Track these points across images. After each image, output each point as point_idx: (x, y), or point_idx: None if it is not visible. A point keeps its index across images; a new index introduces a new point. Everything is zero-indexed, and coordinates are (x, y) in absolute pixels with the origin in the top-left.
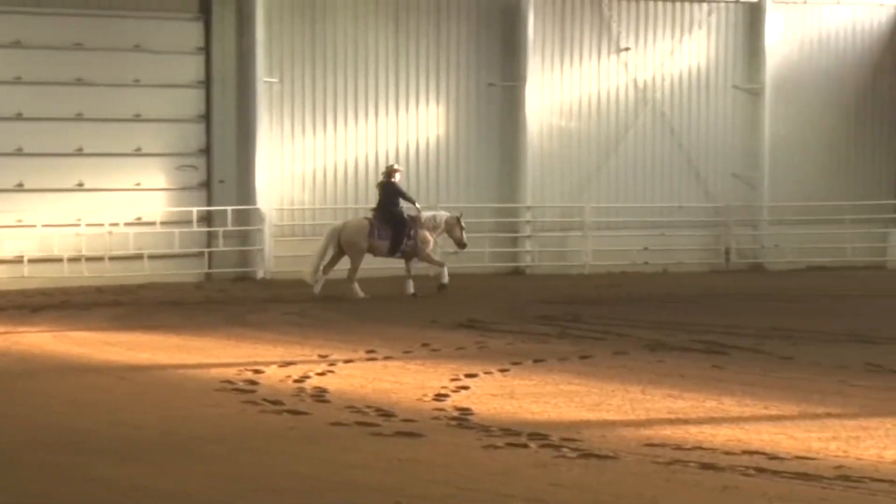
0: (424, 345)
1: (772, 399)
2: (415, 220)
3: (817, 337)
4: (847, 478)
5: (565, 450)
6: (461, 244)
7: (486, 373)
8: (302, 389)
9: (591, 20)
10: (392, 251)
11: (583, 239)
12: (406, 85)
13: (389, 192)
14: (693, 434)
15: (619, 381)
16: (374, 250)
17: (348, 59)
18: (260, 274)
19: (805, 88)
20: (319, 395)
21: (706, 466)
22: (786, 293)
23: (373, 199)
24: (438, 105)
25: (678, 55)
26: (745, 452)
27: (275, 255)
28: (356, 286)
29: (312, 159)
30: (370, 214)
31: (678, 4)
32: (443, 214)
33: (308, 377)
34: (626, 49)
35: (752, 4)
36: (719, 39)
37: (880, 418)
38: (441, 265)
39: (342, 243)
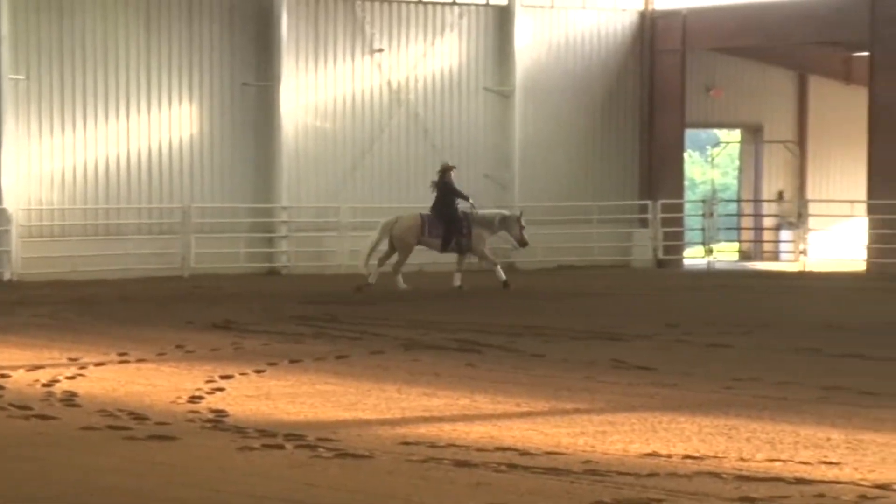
0: (178, 346)
1: (523, 396)
2: (469, 218)
3: (566, 334)
4: (594, 472)
5: (321, 450)
6: (522, 242)
7: (241, 374)
8: (51, 394)
9: (344, 21)
10: (443, 248)
11: (339, 239)
12: (158, 83)
13: (443, 189)
14: (447, 432)
15: (375, 381)
16: (425, 245)
17: (98, 57)
18: (7, 275)
19: (553, 91)
20: (69, 399)
21: (460, 464)
22: (537, 291)
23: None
24: (191, 104)
25: (431, 57)
26: (497, 449)
27: (22, 257)
28: (399, 278)
29: (61, 158)
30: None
31: (430, 7)
32: (499, 212)
33: (57, 381)
34: (380, 50)
35: (501, 8)
36: (470, 42)
37: (626, 413)
38: (494, 264)
39: (392, 238)
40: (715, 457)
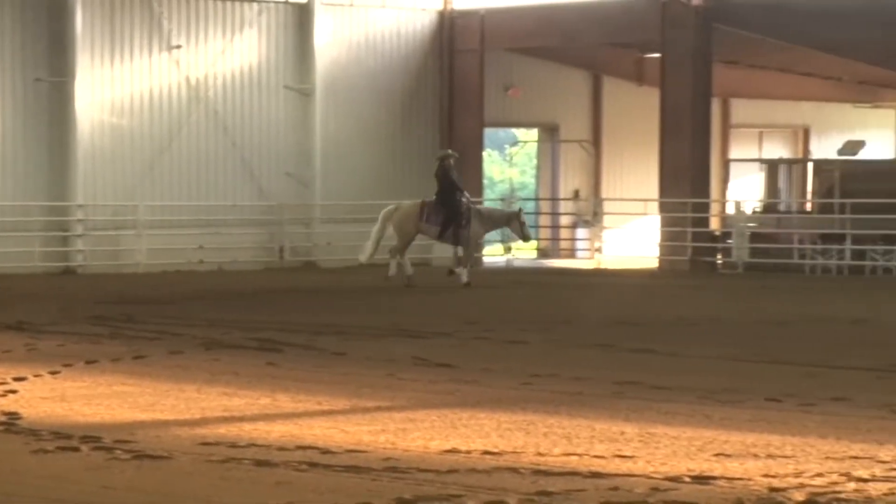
0: None
1: (325, 394)
2: (471, 212)
3: (368, 332)
4: (395, 469)
5: (118, 451)
6: (524, 237)
7: (35, 375)
8: None
9: (141, 16)
10: (440, 236)
11: (136, 238)
12: None
13: (441, 178)
14: (248, 431)
15: (174, 381)
16: (423, 232)
17: None
18: None
19: (354, 90)
20: None
21: (260, 463)
22: (338, 290)
23: None
24: None
25: (230, 54)
26: (298, 448)
27: None
28: (392, 264)
29: None
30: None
31: (228, 3)
32: (498, 209)
33: None
34: (178, 47)
35: (301, 6)
36: (270, 39)
37: (427, 410)
38: (466, 263)
39: (393, 224)
40: (513, 452)
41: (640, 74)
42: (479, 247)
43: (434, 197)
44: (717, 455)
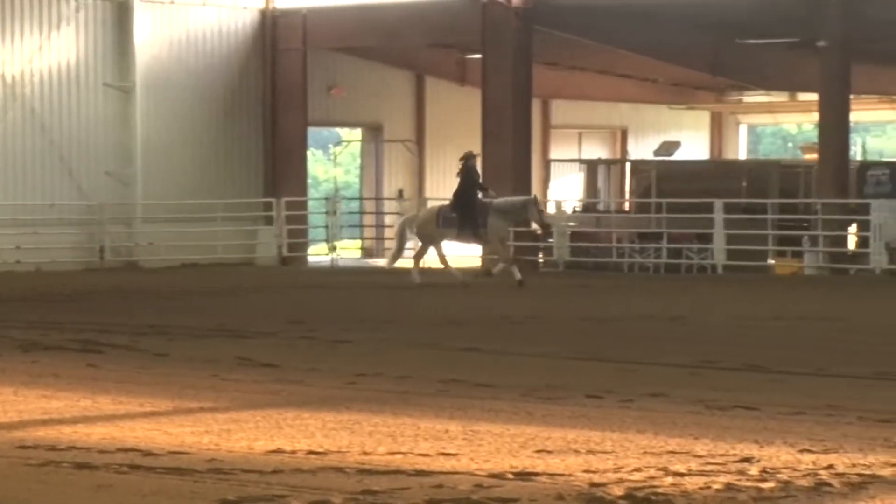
0: None
1: (147, 395)
2: (487, 208)
3: (191, 333)
4: (219, 470)
5: None
6: (542, 225)
7: None
8: None
9: None
10: (458, 237)
11: None
12: None
13: (463, 178)
14: (67, 434)
15: None
16: (444, 237)
17: None
18: None
19: (175, 87)
20: None
21: (81, 466)
22: (160, 290)
23: None
24: None
25: (47, 51)
26: (119, 450)
27: None
28: (414, 271)
29: None
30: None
31: (45, 0)
32: (512, 199)
33: None
34: None
35: (120, 3)
36: (89, 36)
37: (251, 411)
38: (509, 262)
39: (416, 231)
40: (338, 451)
41: (463, 75)
42: (504, 240)
43: (451, 199)
44: (539, 451)
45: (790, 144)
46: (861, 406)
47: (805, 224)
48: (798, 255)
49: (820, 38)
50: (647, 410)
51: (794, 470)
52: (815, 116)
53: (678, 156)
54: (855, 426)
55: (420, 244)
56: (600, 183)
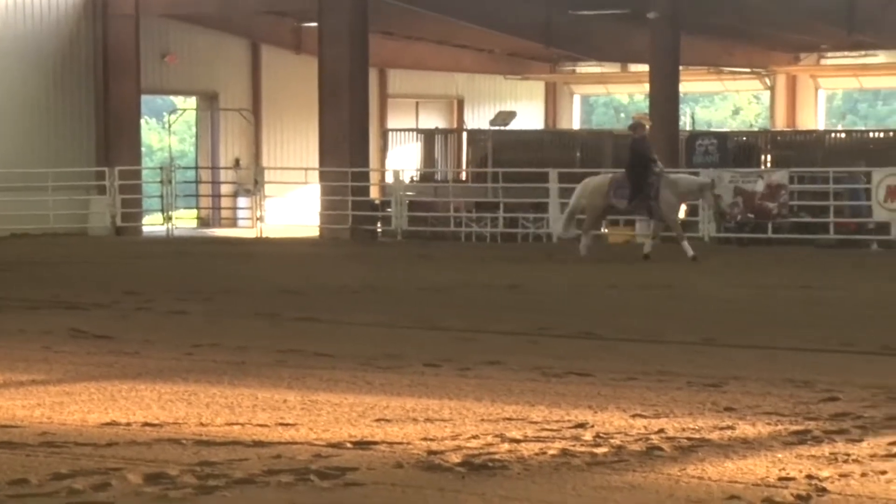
0: None
1: None
2: (661, 181)
3: (22, 304)
4: (51, 443)
5: None
6: (719, 212)
7: None
8: None
9: None
10: (630, 209)
11: None
12: None
13: (632, 149)
14: None
15: None
16: (614, 206)
17: None
18: None
19: (3, 55)
20: None
21: None
22: None
23: None
24: None
25: None
26: None
27: None
28: (583, 241)
29: None
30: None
31: None
32: (691, 177)
33: None
34: None
35: None
36: None
37: (84, 383)
38: (681, 237)
39: (585, 199)
40: (175, 423)
41: (299, 43)
42: (676, 216)
43: (625, 170)
44: (377, 420)
45: (622, 114)
46: (690, 371)
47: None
48: (630, 223)
49: (650, 10)
50: (485, 378)
51: (627, 435)
52: (647, 87)
53: (514, 126)
54: (684, 391)
55: (588, 213)
56: (437, 153)
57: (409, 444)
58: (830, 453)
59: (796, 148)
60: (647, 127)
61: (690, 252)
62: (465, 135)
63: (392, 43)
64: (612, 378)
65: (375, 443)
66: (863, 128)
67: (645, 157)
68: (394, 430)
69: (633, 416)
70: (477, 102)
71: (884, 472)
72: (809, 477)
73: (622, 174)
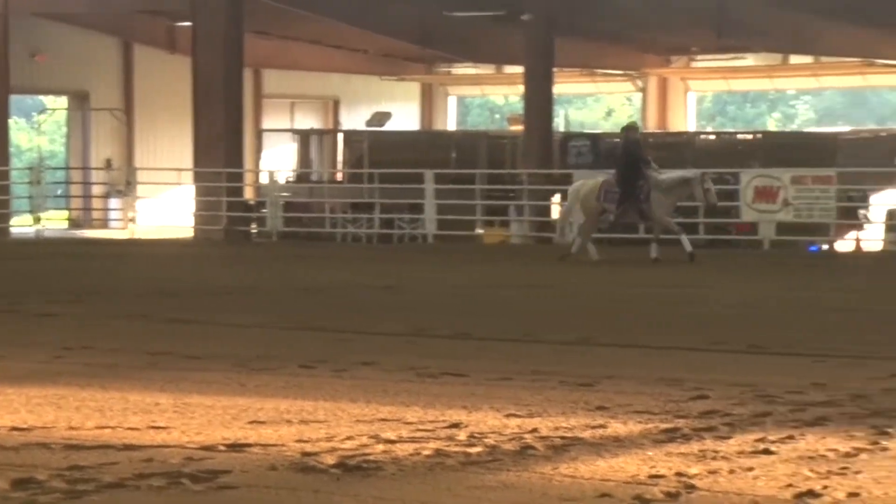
0: None
1: None
2: (649, 183)
3: None
4: None
5: None
6: (710, 204)
7: None
8: None
9: None
10: (621, 213)
11: None
12: None
13: (625, 150)
14: None
15: None
16: (606, 210)
17: None
18: None
19: None
20: None
21: None
22: None
23: None
24: None
25: None
26: None
27: None
28: (589, 247)
29: None
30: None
31: None
32: (677, 175)
33: None
34: None
35: None
36: None
37: None
38: (677, 233)
39: (580, 203)
40: (44, 427)
41: (173, 43)
42: (667, 216)
43: (615, 173)
44: (251, 422)
45: (497, 116)
46: (564, 371)
47: (511, 194)
48: (505, 224)
49: (525, 12)
50: (360, 379)
51: (501, 434)
52: (521, 88)
53: (390, 126)
54: (558, 390)
55: (584, 216)
56: (313, 153)
57: (283, 445)
58: (699, 450)
59: (667, 149)
60: (638, 130)
61: (689, 248)
62: (340, 135)
63: (267, 43)
64: (487, 378)
65: (249, 445)
66: (732, 129)
67: (637, 158)
68: (268, 432)
69: (508, 415)
70: (353, 103)
71: (751, 469)
72: (679, 474)
73: (612, 177)
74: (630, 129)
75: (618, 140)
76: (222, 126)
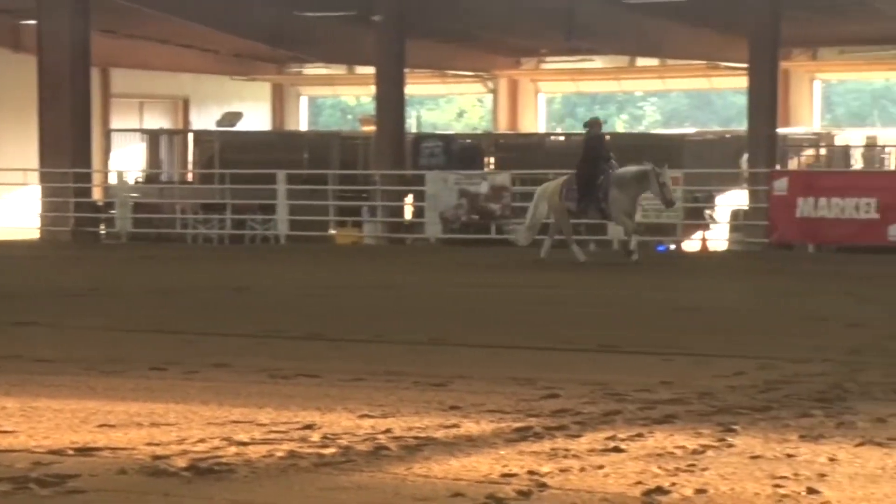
0: None
1: None
2: (609, 179)
3: None
4: None
5: None
6: (665, 201)
7: None
8: None
9: None
10: (581, 212)
11: None
12: None
13: (586, 146)
14: None
15: None
16: (570, 210)
17: None
18: None
19: None
20: None
21: None
22: None
23: None
24: None
25: None
26: None
27: None
28: (574, 248)
29: None
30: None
31: None
32: (631, 170)
33: None
34: None
35: None
36: None
37: None
38: (629, 232)
39: (547, 203)
40: None
41: (17, 41)
42: (631, 215)
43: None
44: (101, 426)
45: (349, 116)
46: (417, 371)
47: (364, 195)
48: (358, 224)
49: (375, 13)
50: (212, 381)
51: (354, 435)
52: (373, 89)
53: (241, 126)
54: (411, 390)
55: (553, 217)
56: (163, 153)
57: (133, 449)
58: (551, 449)
59: (518, 150)
60: (601, 125)
61: (634, 248)
62: (190, 136)
63: (115, 42)
64: (340, 379)
65: (98, 449)
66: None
67: (598, 155)
68: (117, 436)
69: (361, 416)
70: (203, 103)
71: (601, 467)
72: (531, 473)
73: (572, 176)
74: (592, 124)
75: (469, 141)
76: (69, 126)
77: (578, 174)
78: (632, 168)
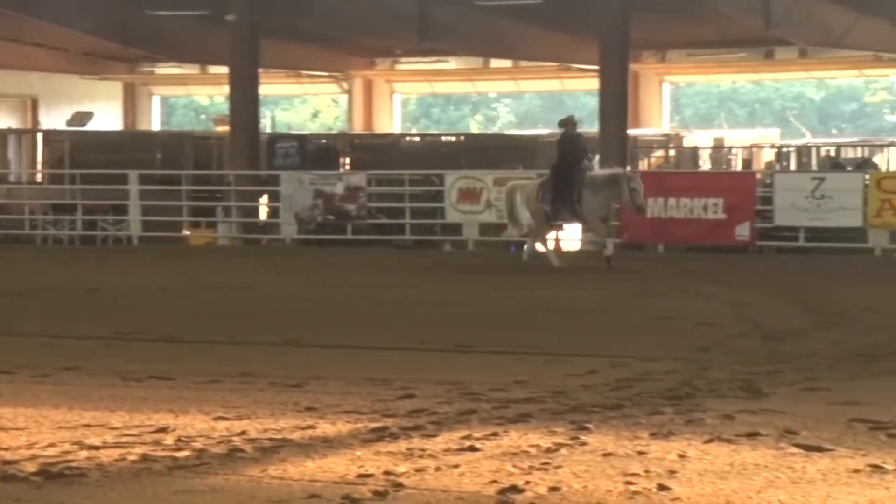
0: None
1: None
2: (583, 180)
3: None
4: None
5: None
6: (635, 207)
7: None
8: None
9: None
10: (553, 216)
11: None
12: None
13: (561, 145)
14: None
15: None
16: (545, 213)
17: None
18: None
19: None
20: None
21: None
22: None
23: None
24: None
25: None
26: None
27: None
28: (550, 254)
29: None
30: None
31: None
32: (608, 171)
33: None
34: None
35: None
36: None
37: None
38: (604, 235)
39: (526, 205)
40: None
41: None
42: (606, 219)
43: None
44: None
45: (203, 116)
46: (273, 372)
47: (218, 195)
48: (212, 225)
49: (228, 13)
50: (63, 384)
51: (209, 437)
52: (227, 89)
53: (92, 126)
54: (267, 392)
55: (534, 220)
56: (11, 153)
57: None
58: (407, 449)
59: (374, 151)
60: (577, 124)
61: (610, 253)
62: (39, 135)
63: None
64: (195, 381)
65: None
66: (436, 132)
67: (574, 157)
68: None
69: (216, 418)
70: (53, 102)
71: (457, 466)
72: (387, 473)
73: (547, 179)
74: (566, 123)
75: (324, 141)
76: None
77: (553, 176)
78: (604, 171)
